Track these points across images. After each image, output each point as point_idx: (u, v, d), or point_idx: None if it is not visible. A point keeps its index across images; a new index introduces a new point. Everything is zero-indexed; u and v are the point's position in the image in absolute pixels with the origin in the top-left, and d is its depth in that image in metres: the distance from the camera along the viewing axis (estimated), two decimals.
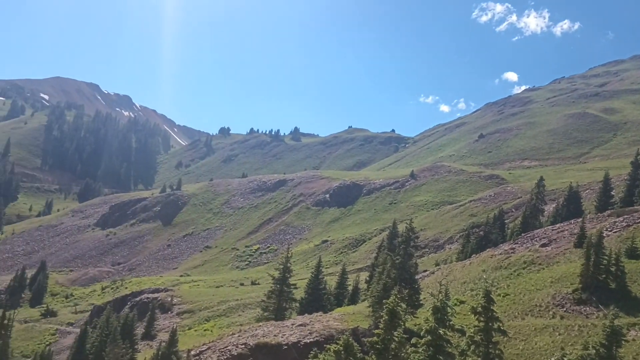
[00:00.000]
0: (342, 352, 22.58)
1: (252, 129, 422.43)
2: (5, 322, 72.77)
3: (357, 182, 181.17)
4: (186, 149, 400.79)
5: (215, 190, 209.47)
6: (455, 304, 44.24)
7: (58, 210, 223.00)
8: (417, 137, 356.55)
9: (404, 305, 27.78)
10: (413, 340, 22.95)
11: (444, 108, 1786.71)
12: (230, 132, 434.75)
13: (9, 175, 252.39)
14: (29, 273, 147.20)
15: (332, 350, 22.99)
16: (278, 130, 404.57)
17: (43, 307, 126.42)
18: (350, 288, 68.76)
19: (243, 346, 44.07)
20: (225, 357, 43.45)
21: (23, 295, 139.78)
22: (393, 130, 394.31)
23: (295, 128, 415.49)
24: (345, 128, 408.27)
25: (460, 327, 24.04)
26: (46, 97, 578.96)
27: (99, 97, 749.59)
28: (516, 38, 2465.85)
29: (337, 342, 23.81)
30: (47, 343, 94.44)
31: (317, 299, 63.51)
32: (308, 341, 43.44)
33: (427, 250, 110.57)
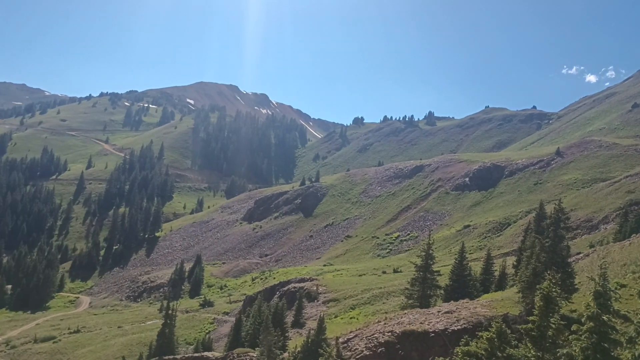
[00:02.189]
0: (495, 339, 21.61)
1: (385, 117, 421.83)
2: (170, 312, 78.83)
3: (498, 164, 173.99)
4: (322, 142, 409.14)
5: (352, 180, 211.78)
6: (616, 288, 40.84)
7: (208, 207, 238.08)
8: (562, 112, 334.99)
9: (558, 290, 26.08)
10: (573, 327, 21.35)
11: (591, 78, 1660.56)
12: (364, 121, 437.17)
13: (165, 177, 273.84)
14: (187, 266, 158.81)
15: (484, 337, 22.08)
16: (412, 116, 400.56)
17: (201, 298, 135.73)
18: (496, 273, 66.12)
19: (389, 334, 43.94)
20: (372, 344, 43.60)
21: (183, 287, 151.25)
22: (534, 107, 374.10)
23: (430, 112, 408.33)
24: (482, 108, 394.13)
25: (625, 313, 22.00)
26: (192, 101, 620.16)
27: (238, 98, 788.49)
28: None
29: (489, 329, 22.84)
30: (207, 331, 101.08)
31: (462, 286, 61.78)
32: (455, 328, 42.33)
33: (579, 231, 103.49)
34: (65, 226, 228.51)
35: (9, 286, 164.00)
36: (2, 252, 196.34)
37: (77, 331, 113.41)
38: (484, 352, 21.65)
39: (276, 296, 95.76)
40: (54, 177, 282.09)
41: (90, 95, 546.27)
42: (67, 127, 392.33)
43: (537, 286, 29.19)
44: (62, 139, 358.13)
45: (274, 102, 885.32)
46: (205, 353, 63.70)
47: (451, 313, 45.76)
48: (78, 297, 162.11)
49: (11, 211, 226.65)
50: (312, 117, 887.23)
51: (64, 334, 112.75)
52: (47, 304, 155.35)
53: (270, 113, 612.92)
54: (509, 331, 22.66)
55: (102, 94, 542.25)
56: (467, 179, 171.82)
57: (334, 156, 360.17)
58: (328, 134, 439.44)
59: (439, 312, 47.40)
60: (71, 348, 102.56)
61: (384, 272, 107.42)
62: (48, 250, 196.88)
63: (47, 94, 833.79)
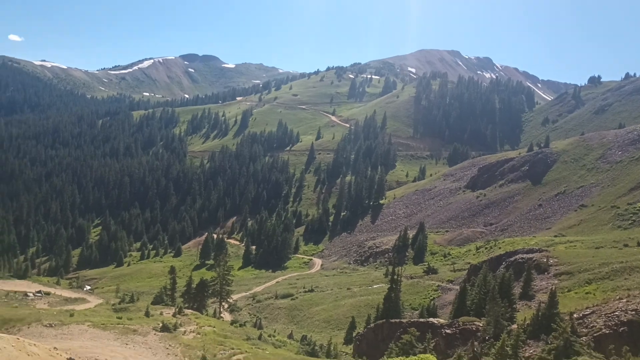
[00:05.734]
0: None
1: (627, 74, 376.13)
2: (395, 277, 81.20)
3: None
4: (552, 104, 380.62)
5: (587, 144, 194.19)
6: None
7: (430, 175, 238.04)
8: None
9: None
10: None
11: None
12: (602, 80, 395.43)
13: (387, 146, 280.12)
14: (410, 233, 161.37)
15: None
16: None
17: (425, 265, 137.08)
18: None
19: (633, 312, 39.86)
20: (612, 322, 40.00)
21: (407, 254, 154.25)
22: None
23: None
24: None
25: None
26: (413, 70, 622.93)
27: (460, 63, 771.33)
28: None
29: None
30: (431, 298, 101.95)
31: None
32: None
33: None
34: (298, 193, 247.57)
35: (254, 247, 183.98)
36: (247, 216, 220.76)
37: (311, 290, 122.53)
38: None
39: (502, 266, 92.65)
40: (288, 148, 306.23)
41: (317, 70, 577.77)
42: (298, 101, 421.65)
43: None
44: (294, 112, 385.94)
45: (498, 65, 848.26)
46: (431, 319, 64.28)
47: None
48: (311, 259, 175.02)
49: (253, 180, 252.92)
50: (540, 79, 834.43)
51: (300, 292, 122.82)
52: (284, 264, 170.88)
53: (494, 77, 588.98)
54: None
55: (328, 68, 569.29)
56: None
57: (565, 119, 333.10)
58: (559, 96, 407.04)
59: None
60: (306, 305, 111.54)
61: (626, 245, 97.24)
62: (284, 215, 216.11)
63: (280, 71, 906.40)
